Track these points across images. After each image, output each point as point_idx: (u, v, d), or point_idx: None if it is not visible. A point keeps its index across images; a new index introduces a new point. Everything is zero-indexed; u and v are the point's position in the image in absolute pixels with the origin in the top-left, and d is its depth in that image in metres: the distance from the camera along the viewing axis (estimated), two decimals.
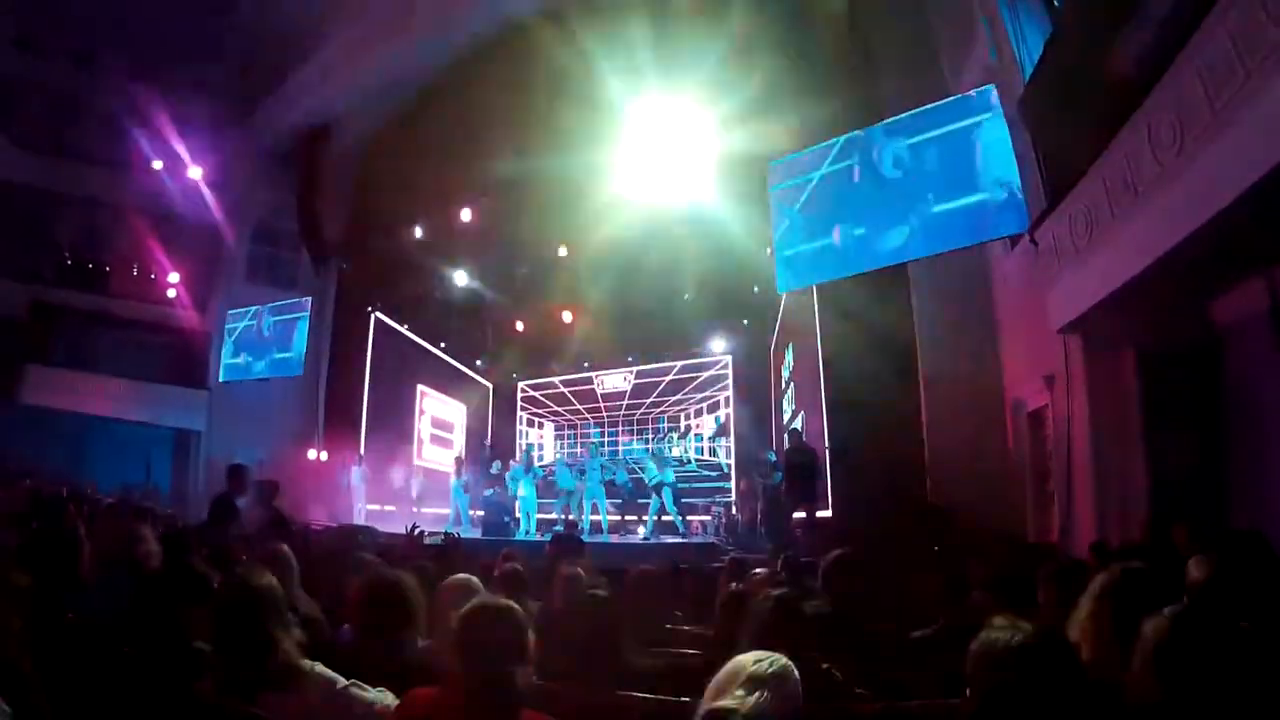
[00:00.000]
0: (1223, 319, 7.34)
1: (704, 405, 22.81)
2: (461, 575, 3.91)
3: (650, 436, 22.92)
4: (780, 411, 19.65)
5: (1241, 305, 6.98)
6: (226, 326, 18.89)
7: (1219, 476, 7.23)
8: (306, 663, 2.75)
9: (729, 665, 2.22)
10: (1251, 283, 6.71)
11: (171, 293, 19.35)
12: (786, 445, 13.70)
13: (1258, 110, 4.91)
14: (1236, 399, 7.22)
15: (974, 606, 4.53)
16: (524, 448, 23.23)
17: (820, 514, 12.84)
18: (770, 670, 2.17)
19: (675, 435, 22.58)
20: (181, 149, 18.71)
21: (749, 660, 2.21)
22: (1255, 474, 6.85)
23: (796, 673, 2.21)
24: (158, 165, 18.59)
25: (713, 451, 22.15)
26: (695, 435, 22.67)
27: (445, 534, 10.91)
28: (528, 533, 16.70)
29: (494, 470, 18.36)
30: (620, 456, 20.83)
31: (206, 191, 19.21)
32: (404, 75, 16.68)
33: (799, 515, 12.89)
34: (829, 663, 3.01)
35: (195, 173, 18.87)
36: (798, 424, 15.85)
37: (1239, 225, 5.49)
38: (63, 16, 16.92)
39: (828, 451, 13.05)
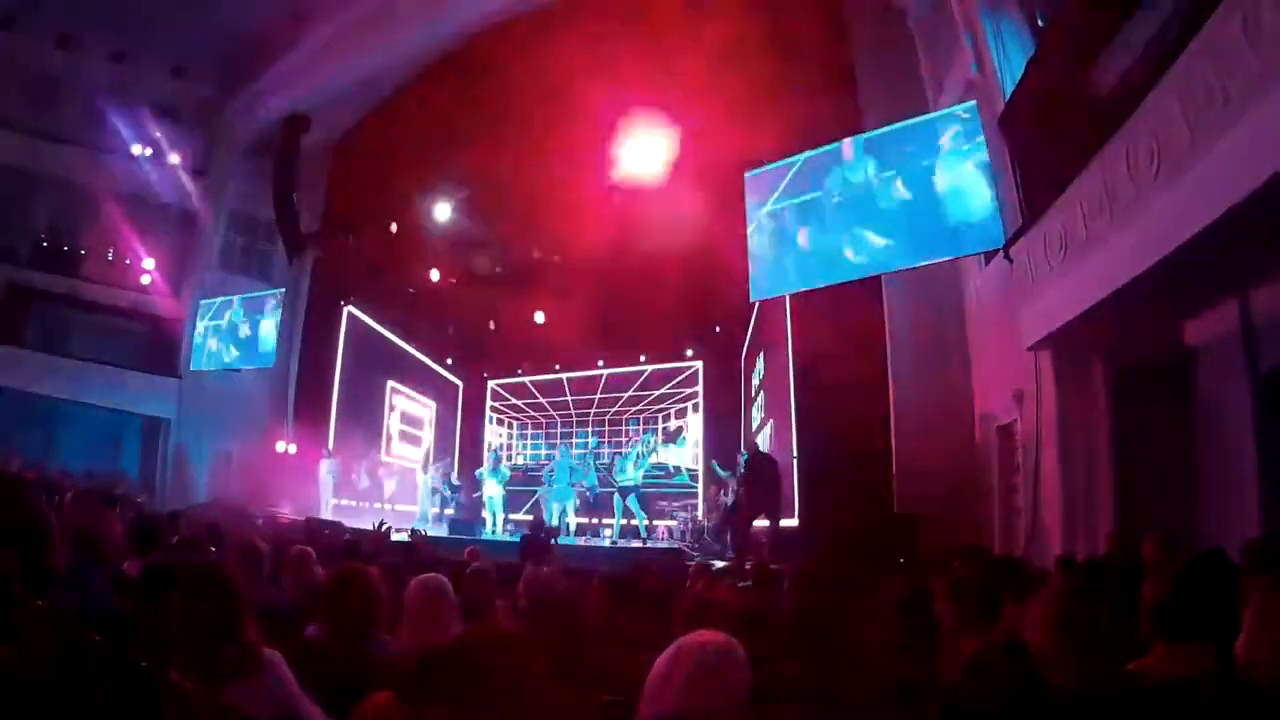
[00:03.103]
0: (1195, 338, 7.38)
1: (673, 410, 22.75)
2: (430, 574, 3.89)
3: (624, 440, 22.79)
4: (750, 418, 19.68)
5: (1214, 325, 7.02)
6: (199, 315, 18.79)
7: (1186, 491, 7.27)
8: (270, 652, 2.73)
9: (672, 648, 2.15)
10: (1224, 304, 6.76)
11: (146, 279, 19.12)
12: (746, 455, 13.61)
13: (1236, 136, 4.95)
14: (1206, 416, 7.26)
15: (937, 618, 4.56)
16: (491, 447, 23.13)
17: (785, 523, 12.81)
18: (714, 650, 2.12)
19: (656, 440, 22.46)
20: (160, 134, 18.60)
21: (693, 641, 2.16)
22: (1223, 489, 6.89)
23: (742, 651, 2.15)
24: (136, 150, 18.44)
25: (695, 458, 22.06)
26: (680, 439, 22.55)
27: (412, 531, 10.93)
28: (494, 531, 16.67)
29: (454, 479, 18.34)
30: (588, 458, 20.70)
31: (184, 178, 19.09)
32: (384, 69, 16.69)
33: (762, 524, 12.84)
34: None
35: (173, 159, 18.75)
36: (765, 432, 15.87)
37: (1213, 248, 5.55)
38: None
39: (794, 460, 13.06)
